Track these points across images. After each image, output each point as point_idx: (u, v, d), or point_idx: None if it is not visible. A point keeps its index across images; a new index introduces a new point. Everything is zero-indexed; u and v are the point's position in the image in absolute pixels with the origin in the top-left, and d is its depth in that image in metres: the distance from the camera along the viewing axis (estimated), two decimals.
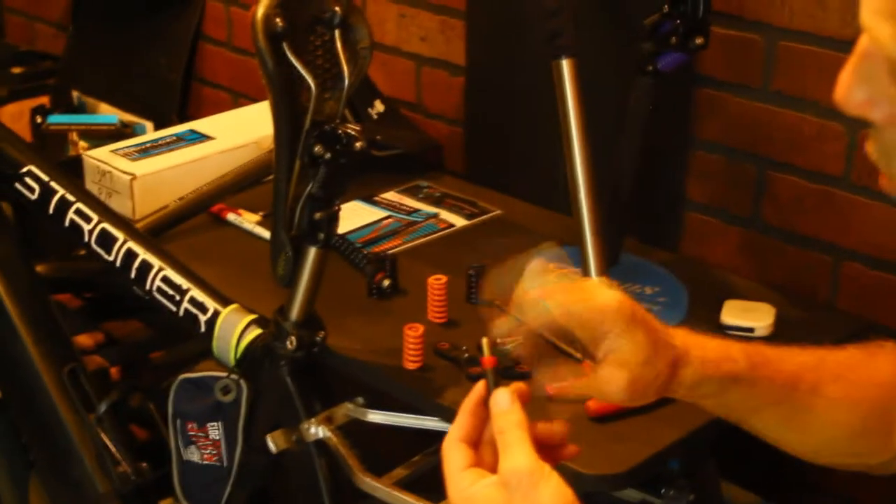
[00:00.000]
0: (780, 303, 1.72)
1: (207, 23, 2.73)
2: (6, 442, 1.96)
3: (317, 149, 1.49)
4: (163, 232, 1.97)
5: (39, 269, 2.01)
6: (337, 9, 1.51)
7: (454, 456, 0.91)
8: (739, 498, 1.89)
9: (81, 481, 1.82)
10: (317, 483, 1.63)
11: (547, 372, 1.04)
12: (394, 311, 1.75)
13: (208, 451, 1.68)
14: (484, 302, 1.04)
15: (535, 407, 0.93)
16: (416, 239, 1.98)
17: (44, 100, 2.87)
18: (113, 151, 2.18)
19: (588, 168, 1.73)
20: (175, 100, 2.75)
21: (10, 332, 1.84)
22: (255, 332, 1.65)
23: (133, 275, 1.74)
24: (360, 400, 1.64)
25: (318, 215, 1.53)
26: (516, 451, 0.88)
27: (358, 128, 1.50)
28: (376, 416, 1.63)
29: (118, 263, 1.75)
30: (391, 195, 2.13)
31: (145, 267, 1.73)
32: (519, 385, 0.93)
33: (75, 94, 2.88)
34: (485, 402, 0.93)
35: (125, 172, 2.09)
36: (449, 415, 1.52)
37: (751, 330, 1.66)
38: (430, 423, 1.58)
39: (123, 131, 2.63)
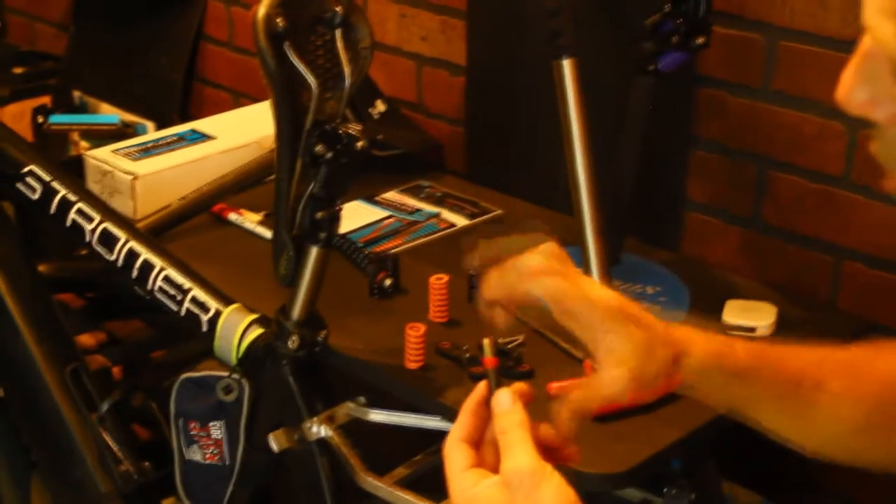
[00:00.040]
0: (781, 302, 1.72)
1: (209, 23, 2.73)
2: (7, 442, 1.96)
3: (318, 148, 1.50)
4: (164, 231, 1.97)
5: (41, 268, 2.02)
6: (338, 8, 1.51)
7: (456, 456, 0.91)
8: (741, 497, 1.89)
9: (83, 481, 1.82)
10: (318, 482, 1.63)
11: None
12: (395, 311, 1.75)
13: (210, 451, 1.68)
14: (473, 267, 1.04)
15: (537, 407, 0.93)
16: (418, 238, 1.98)
17: (45, 100, 2.87)
18: (114, 151, 2.18)
19: (589, 168, 1.73)
20: (176, 100, 2.75)
21: (11, 332, 1.84)
22: (257, 331, 1.65)
23: (135, 274, 1.74)
24: (362, 399, 1.64)
25: (319, 215, 1.53)
26: (518, 451, 0.88)
27: (359, 127, 1.50)
28: (378, 416, 1.63)
29: (120, 263, 1.75)
30: (392, 195, 2.13)
31: (147, 266, 1.73)
32: (521, 385, 0.93)
33: (77, 94, 2.88)
34: (486, 403, 0.93)
35: (126, 172, 2.09)
36: (450, 414, 1.52)
37: (752, 329, 1.66)
38: (432, 422, 1.58)
39: (125, 131, 2.63)
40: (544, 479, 0.87)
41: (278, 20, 1.46)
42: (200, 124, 2.32)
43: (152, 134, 2.45)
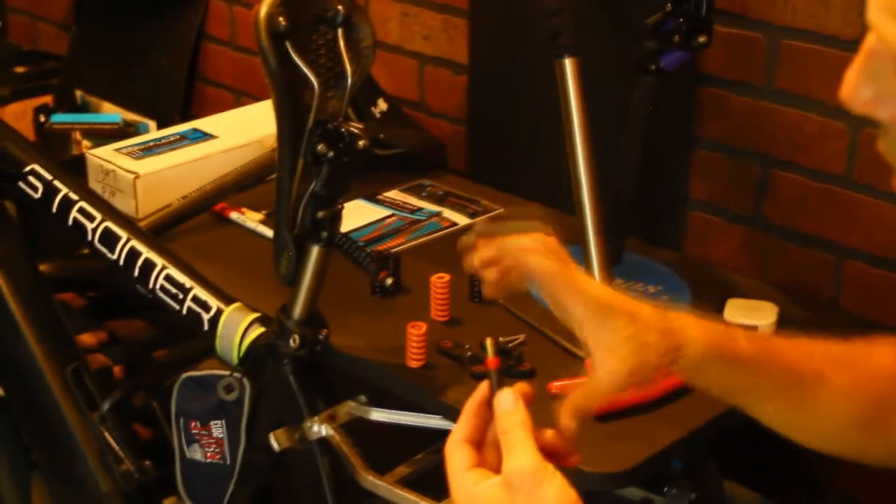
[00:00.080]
0: (783, 301, 1.72)
1: (210, 22, 2.73)
2: (8, 441, 1.96)
3: (320, 147, 1.50)
4: (166, 231, 1.97)
5: (43, 267, 2.02)
6: (340, 7, 1.51)
7: (457, 456, 0.92)
8: (741, 497, 1.89)
9: (84, 480, 1.83)
10: (319, 481, 1.63)
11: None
12: (397, 310, 1.75)
13: (211, 450, 1.68)
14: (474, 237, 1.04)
15: (539, 409, 0.93)
16: (419, 237, 1.98)
17: (47, 99, 2.87)
18: (116, 150, 2.18)
19: (590, 167, 1.73)
20: (178, 99, 2.75)
21: (13, 331, 1.84)
22: (258, 330, 1.65)
23: (136, 273, 1.74)
24: (363, 398, 1.64)
25: (321, 214, 1.53)
26: (520, 451, 0.88)
27: (361, 126, 1.50)
28: (379, 415, 1.63)
29: (121, 262, 1.75)
30: (394, 194, 2.13)
31: (148, 265, 1.73)
32: (523, 386, 0.93)
33: (78, 93, 2.88)
34: (488, 403, 0.93)
35: (128, 171, 2.09)
36: (452, 413, 1.52)
37: (753, 328, 1.65)
38: (433, 421, 1.58)
39: (126, 130, 2.64)
40: (546, 480, 0.87)
41: (280, 19, 1.46)
42: (202, 123, 2.32)
43: (154, 133, 2.45)
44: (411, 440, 1.65)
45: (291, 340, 1.59)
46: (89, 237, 1.77)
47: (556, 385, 1.48)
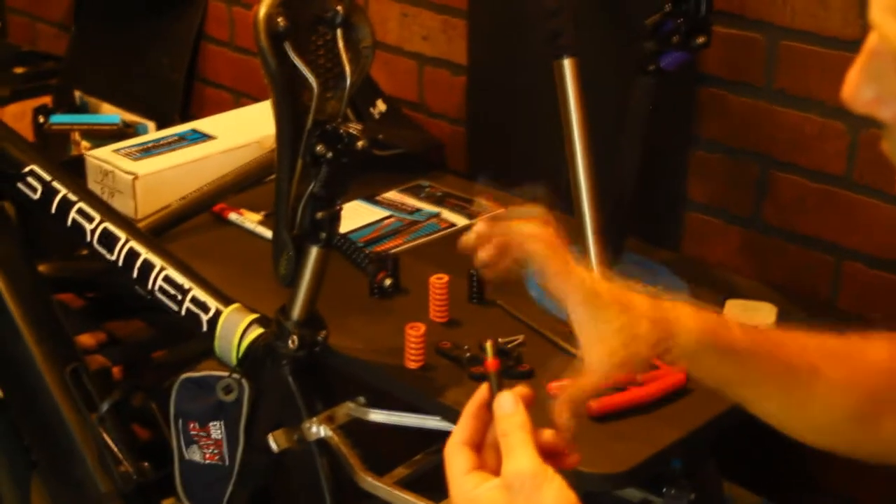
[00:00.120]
0: (782, 302, 1.72)
1: (209, 22, 2.73)
2: (8, 442, 1.96)
3: (319, 148, 1.49)
4: (165, 231, 1.97)
5: (41, 268, 2.02)
6: (339, 8, 1.51)
7: (457, 459, 0.92)
8: (741, 497, 1.89)
9: (83, 481, 1.83)
10: (318, 482, 1.63)
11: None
12: (395, 311, 1.75)
13: (210, 451, 1.68)
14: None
15: (538, 410, 0.93)
16: (418, 238, 1.98)
17: (46, 100, 2.87)
18: (115, 151, 2.18)
19: (589, 168, 1.73)
20: (177, 99, 2.75)
21: (12, 332, 1.84)
22: (257, 331, 1.65)
23: (135, 274, 1.74)
24: (362, 399, 1.64)
25: (319, 215, 1.53)
26: (519, 453, 0.88)
27: (360, 127, 1.50)
28: (378, 416, 1.63)
29: (120, 263, 1.75)
30: (393, 195, 2.13)
31: (147, 266, 1.73)
32: (522, 388, 0.93)
33: (77, 94, 2.88)
34: (488, 406, 0.93)
35: (127, 172, 2.09)
36: (450, 414, 1.52)
37: None
38: (432, 422, 1.58)
39: (126, 131, 2.64)
40: (545, 482, 0.87)
41: (279, 20, 1.46)
42: (201, 124, 2.32)
43: (153, 134, 2.45)
44: (410, 441, 1.65)
45: (290, 341, 1.59)
46: (88, 238, 1.77)
47: (554, 385, 1.48)
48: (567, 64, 1.73)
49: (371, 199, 2.10)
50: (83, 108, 2.87)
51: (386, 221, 2.03)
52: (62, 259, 2.17)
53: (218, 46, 2.73)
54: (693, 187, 1.96)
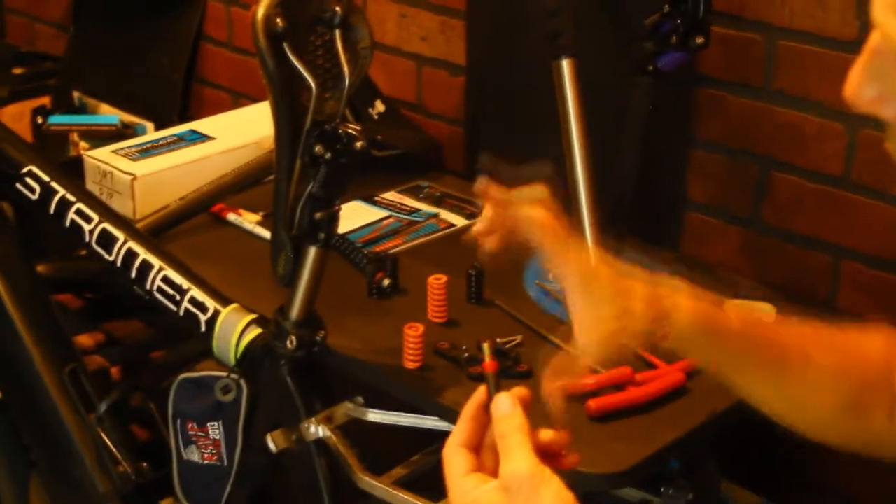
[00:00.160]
0: (780, 302, 1.72)
1: (208, 23, 2.73)
2: (7, 442, 1.96)
3: (317, 148, 1.49)
4: (163, 232, 1.97)
5: (40, 269, 2.02)
6: (337, 9, 1.51)
7: (455, 461, 0.92)
8: (740, 497, 1.89)
9: (82, 481, 1.82)
10: (317, 482, 1.63)
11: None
12: (394, 311, 1.75)
13: (208, 451, 1.68)
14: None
15: (536, 412, 0.93)
16: (417, 239, 1.98)
17: (45, 100, 2.87)
18: (114, 152, 2.18)
19: (588, 168, 1.73)
20: (176, 100, 2.75)
21: (10, 333, 1.84)
22: (256, 331, 1.65)
23: (133, 275, 1.74)
24: (360, 399, 1.64)
25: (318, 215, 1.53)
26: (517, 455, 0.88)
27: (358, 127, 1.50)
28: (376, 416, 1.63)
29: (119, 263, 1.75)
30: (391, 195, 2.13)
31: (146, 267, 1.73)
32: (520, 390, 0.93)
33: (76, 94, 2.88)
34: (486, 407, 0.93)
35: (126, 172, 2.09)
36: (449, 414, 1.52)
37: None
38: (430, 422, 1.58)
39: (124, 132, 2.63)
40: (543, 483, 0.87)
41: (277, 20, 1.46)
42: (200, 125, 2.32)
43: (152, 134, 2.45)
44: (408, 441, 1.65)
45: (288, 341, 1.59)
46: (86, 238, 1.77)
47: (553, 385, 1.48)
48: (566, 64, 1.73)
49: (370, 199, 2.10)
50: (82, 109, 2.87)
51: (384, 222, 2.03)
52: (61, 259, 2.17)
53: (216, 47, 2.73)
54: (692, 187, 1.96)
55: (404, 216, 2.05)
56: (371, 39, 1.55)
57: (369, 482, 1.57)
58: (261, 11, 1.46)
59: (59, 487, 1.89)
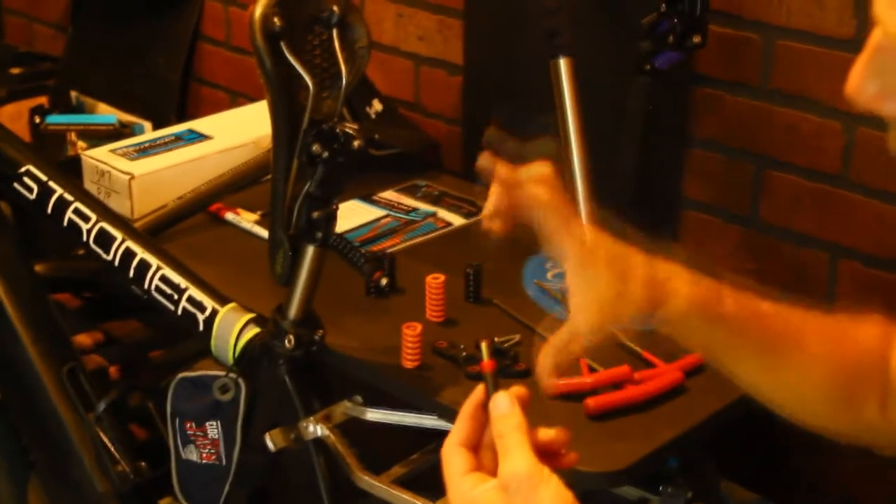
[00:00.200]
0: (778, 301, 1.72)
1: (206, 23, 2.73)
2: (6, 442, 1.96)
3: (315, 148, 1.49)
4: (161, 231, 1.97)
5: (38, 268, 2.02)
6: (335, 8, 1.51)
7: (454, 460, 0.91)
8: (739, 496, 1.89)
9: (80, 481, 1.82)
10: (315, 481, 1.63)
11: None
12: (392, 310, 1.75)
13: (207, 450, 1.68)
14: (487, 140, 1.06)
15: (535, 411, 0.93)
16: (415, 238, 1.98)
17: (42, 100, 2.87)
18: (111, 151, 2.18)
19: (586, 167, 1.74)
20: (173, 100, 2.75)
21: (9, 332, 1.84)
22: (254, 330, 1.65)
23: (131, 274, 1.74)
24: (359, 398, 1.64)
25: (316, 214, 1.53)
26: (516, 454, 0.88)
27: (356, 127, 1.50)
28: (374, 415, 1.63)
29: (117, 263, 1.75)
30: (389, 194, 2.13)
31: (144, 266, 1.73)
32: (518, 389, 0.93)
33: (74, 94, 2.88)
34: (484, 407, 0.93)
35: (124, 172, 2.09)
36: (447, 413, 1.53)
37: None
38: (429, 421, 1.58)
39: (122, 131, 2.63)
40: (542, 482, 0.87)
41: (275, 20, 1.46)
42: (197, 124, 2.32)
43: (149, 134, 2.45)
44: (407, 440, 1.65)
45: (287, 341, 1.59)
46: (84, 238, 1.77)
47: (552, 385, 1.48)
48: (564, 63, 1.73)
49: (367, 198, 2.10)
50: (79, 109, 2.86)
51: (382, 221, 2.03)
52: (59, 259, 2.17)
53: (214, 46, 2.73)
54: (690, 186, 1.96)
55: (402, 215, 2.05)
56: (368, 39, 1.55)
57: (368, 481, 1.57)
58: (258, 11, 1.46)
59: (58, 487, 1.89)
